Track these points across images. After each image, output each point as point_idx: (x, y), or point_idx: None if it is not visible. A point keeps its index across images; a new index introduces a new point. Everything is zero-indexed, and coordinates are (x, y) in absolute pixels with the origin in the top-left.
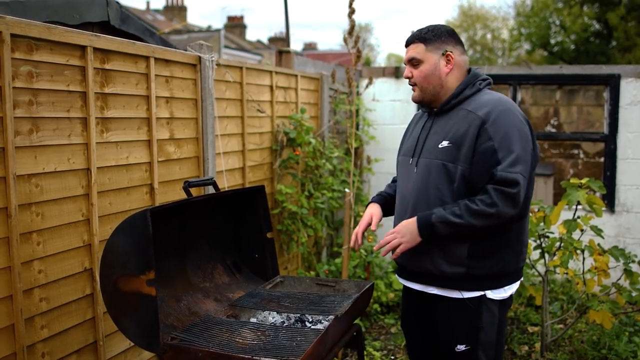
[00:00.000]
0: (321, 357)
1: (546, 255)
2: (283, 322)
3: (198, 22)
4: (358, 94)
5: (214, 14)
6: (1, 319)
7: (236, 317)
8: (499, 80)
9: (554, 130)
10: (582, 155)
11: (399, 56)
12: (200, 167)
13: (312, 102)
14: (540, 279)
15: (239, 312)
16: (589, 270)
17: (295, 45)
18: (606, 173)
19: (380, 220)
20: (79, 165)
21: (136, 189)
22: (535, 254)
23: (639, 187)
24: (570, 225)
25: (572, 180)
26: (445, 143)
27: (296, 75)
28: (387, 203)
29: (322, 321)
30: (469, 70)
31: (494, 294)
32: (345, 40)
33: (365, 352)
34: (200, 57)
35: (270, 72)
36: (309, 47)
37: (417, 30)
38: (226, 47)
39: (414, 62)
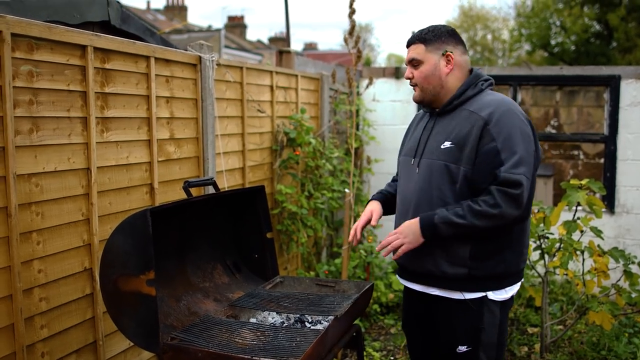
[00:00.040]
0: (321, 357)
1: (546, 256)
2: (283, 323)
3: (198, 22)
4: (358, 94)
5: (214, 14)
6: (1, 319)
7: (236, 317)
8: (499, 81)
9: (554, 131)
10: (582, 156)
11: (399, 56)
12: (200, 167)
13: (312, 102)
14: (539, 279)
15: (238, 312)
16: (589, 272)
17: (296, 45)
18: (606, 174)
19: (380, 217)
20: (79, 164)
21: (136, 188)
22: (535, 255)
23: (639, 188)
24: (570, 226)
25: (572, 181)
26: (447, 144)
27: (296, 75)
28: (388, 201)
29: (322, 322)
30: (471, 71)
31: (496, 295)
32: (345, 40)
33: (364, 353)
34: (200, 57)
35: (271, 72)
36: (310, 47)
37: (418, 31)
38: (226, 47)
39: (414, 63)
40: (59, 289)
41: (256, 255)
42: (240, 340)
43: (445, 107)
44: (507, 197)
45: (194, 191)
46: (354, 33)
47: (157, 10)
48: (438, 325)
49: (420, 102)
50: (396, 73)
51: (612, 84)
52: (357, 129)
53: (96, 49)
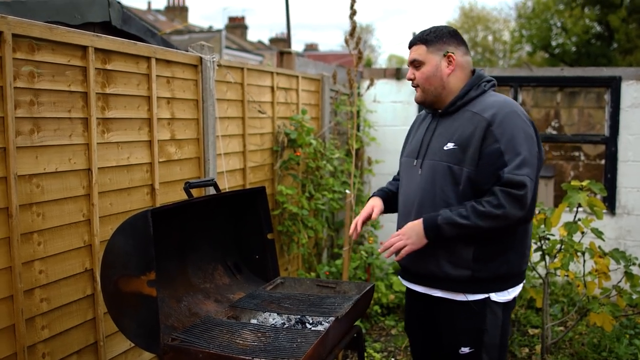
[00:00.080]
0: (321, 358)
1: (547, 258)
2: (283, 324)
3: (199, 23)
4: (359, 95)
5: (215, 15)
6: (2, 319)
7: (237, 318)
8: (500, 82)
9: (554, 132)
10: (582, 158)
11: (400, 57)
12: (201, 168)
13: (313, 103)
14: (540, 281)
15: (239, 313)
16: (590, 273)
17: (297, 46)
18: (607, 175)
19: (381, 212)
20: (80, 165)
21: (137, 189)
22: (535, 256)
23: None
24: (571, 227)
25: (573, 183)
26: (450, 145)
27: (297, 76)
28: (389, 199)
29: (323, 323)
30: (473, 72)
31: (498, 297)
32: (346, 41)
33: (365, 354)
34: (201, 58)
35: (271, 73)
36: (310, 48)
37: (420, 32)
38: (227, 47)
39: (416, 64)
40: (59, 289)
41: (257, 256)
42: (241, 341)
43: (447, 108)
44: (511, 198)
45: (195, 192)
46: (355, 34)
47: (158, 11)
48: (440, 327)
49: (422, 103)
50: (397, 74)
51: (613, 85)
52: (358, 130)
53: (97, 49)
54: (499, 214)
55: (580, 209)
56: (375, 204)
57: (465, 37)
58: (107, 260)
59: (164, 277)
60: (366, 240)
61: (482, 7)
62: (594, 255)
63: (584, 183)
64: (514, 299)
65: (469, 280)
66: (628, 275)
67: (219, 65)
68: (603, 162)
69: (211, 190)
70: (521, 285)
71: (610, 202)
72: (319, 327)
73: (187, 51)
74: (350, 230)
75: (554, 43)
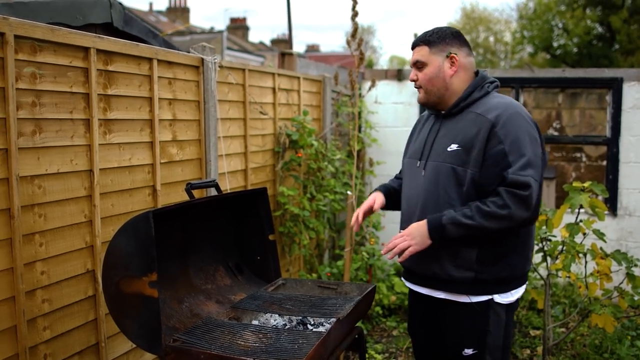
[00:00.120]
0: (323, 359)
1: (548, 259)
2: (285, 325)
3: (201, 24)
4: (360, 96)
5: (216, 16)
6: (4, 320)
7: (238, 319)
8: (501, 83)
9: (556, 133)
10: (584, 159)
11: (402, 58)
12: (203, 169)
13: (314, 105)
14: (542, 282)
15: (240, 314)
16: (591, 274)
17: (298, 47)
18: (609, 176)
19: (382, 205)
20: (82, 166)
21: (139, 190)
22: (537, 257)
23: None
24: (573, 228)
25: (575, 184)
26: (454, 146)
27: (299, 78)
28: (391, 196)
29: (324, 324)
30: (477, 73)
31: (502, 298)
32: (348, 42)
33: (367, 355)
34: (203, 59)
35: (273, 74)
36: (312, 49)
37: (422, 33)
38: (229, 48)
39: (418, 65)
40: (61, 290)
41: (258, 257)
42: (242, 342)
43: (451, 109)
44: (516, 198)
45: (197, 193)
46: (356, 35)
47: (160, 12)
48: (444, 328)
49: (424, 104)
50: (398, 75)
51: (615, 87)
52: (359, 131)
53: (99, 51)
54: (504, 214)
55: (581, 210)
56: (377, 197)
57: (467, 38)
58: (109, 262)
59: (166, 278)
60: (367, 242)
61: (483, 8)
62: (596, 257)
63: (586, 184)
64: (517, 300)
65: (472, 282)
66: (630, 276)
67: (221, 67)
68: (605, 163)
69: (213, 192)
70: (524, 286)
71: (611, 204)
72: (321, 328)
73: (188, 52)
74: (352, 221)
75: (555, 44)
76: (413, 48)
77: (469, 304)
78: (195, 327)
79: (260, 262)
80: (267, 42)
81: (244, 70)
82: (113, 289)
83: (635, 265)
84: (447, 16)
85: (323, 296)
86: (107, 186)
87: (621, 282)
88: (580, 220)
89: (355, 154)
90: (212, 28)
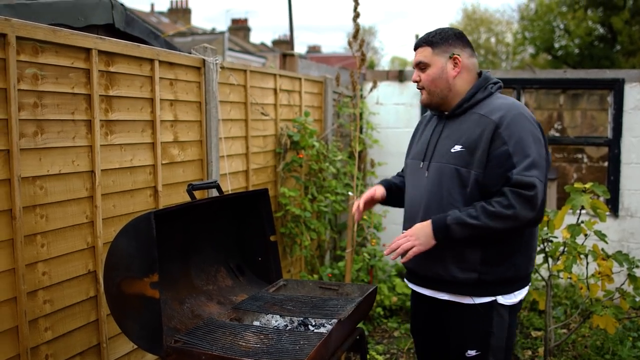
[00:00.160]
0: None
1: (550, 260)
2: (286, 326)
3: (202, 25)
4: (362, 97)
5: (218, 17)
6: (5, 321)
7: (239, 320)
8: (503, 84)
9: (557, 134)
10: (585, 160)
11: (403, 59)
12: (204, 170)
13: (315, 105)
14: (543, 283)
15: (242, 315)
16: (593, 275)
17: (299, 48)
18: (610, 177)
19: (383, 196)
20: (83, 167)
21: (140, 191)
22: (538, 258)
23: None
24: (574, 229)
25: (576, 185)
26: (458, 147)
27: (300, 79)
28: (392, 190)
29: (325, 325)
30: (480, 74)
31: (505, 299)
32: (350, 43)
33: (368, 356)
34: (204, 60)
35: (274, 75)
36: (313, 49)
37: (425, 34)
38: (230, 49)
39: (421, 66)
40: (63, 291)
41: (260, 258)
42: (243, 343)
43: (454, 110)
44: (522, 198)
45: (198, 194)
46: (358, 36)
47: (161, 13)
48: (447, 330)
49: (427, 106)
50: (400, 76)
51: (616, 88)
52: (361, 132)
53: (100, 52)
54: (509, 214)
55: (583, 212)
56: (377, 188)
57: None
58: (110, 262)
59: (167, 279)
60: (369, 243)
61: (484, 9)
62: (597, 258)
63: (587, 185)
64: (520, 301)
65: (476, 283)
66: (631, 277)
67: (222, 68)
68: (606, 164)
69: (214, 192)
70: (527, 287)
71: (613, 205)
72: (322, 329)
73: (190, 53)
74: (353, 209)
75: (556, 45)
76: (416, 49)
77: (473, 305)
78: (196, 328)
79: (261, 263)
80: (269, 43)
81: (245, 71)
82: (114, 290)
83: (637, 267)
84: (448, 17)
85: (324, 297)
86: (109, 187)
87: (622, 283)
88: (582, 221)
89: (356, 155)
90: (213, 29)
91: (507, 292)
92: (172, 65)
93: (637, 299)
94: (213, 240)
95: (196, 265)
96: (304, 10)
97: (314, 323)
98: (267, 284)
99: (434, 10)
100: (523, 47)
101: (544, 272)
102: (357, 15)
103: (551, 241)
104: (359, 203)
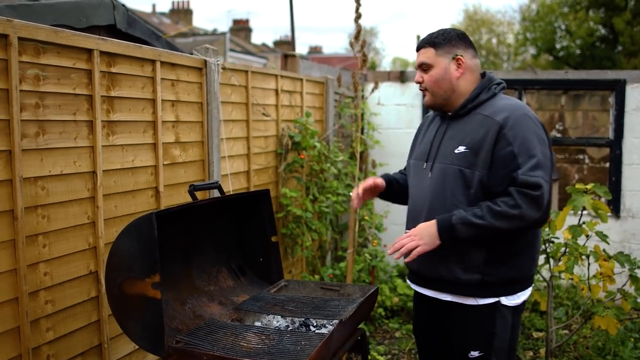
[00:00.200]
0: None
1: (551, 261)
2: (287, 326)
3: (204, 25)
4: (363, 97)
5: (219, 17)
6: (7, 321)
7: (240, 320)
8: None
9: (559, 135)
10: (587, 161)
11: (405, 60)
12: (206, 171)
13: (317, 106)
14: (545, 284)
15: (243, 315)
16: (594, 276)
17: (301, 48)
18: (611, 178)
19: (382, 188)
20: (85, 168)
21: (142, 192)
22: (540, 259)
23: None
24: (576, 230)
25: (578, 186)
26: (461, 148)
27: (301, 79)
28: (392, 185)
29: (327, 325)
30: (483, 74)
31: (508, 300)
32: (351, 44)
33: (369, 357)
34: (206, 61)
35: (276, 75)
36: (315, 50)
37: (428, 35)
38: (232, 50)
39: (424, 67)
40: (64, 291)
41: (261, 259)
42: (245, 344)
43: (458, 111)
44: (528, 198)
45: (199, 194)
46: (359, 37)
47: (163, 14)
48: (450, 331)
49: (431, 107)
50: (401, 77)
51: (618, 88)
52: (362, 132)
53: (102, 52)
54: (515, 214)
55: (584, 212)
56: (376, 178)
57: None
58: (112, 263)
59: (169, 280)
60: (370, 243)
61: (486, 10)
62: (599, 259)
63: (589, 186)
64: (524, 302)
65: (479, 285)
66: (633, 278)
67: (224, 68)
68: (607, 165)
69: (215, 193)
70: (530, 288)
71: (614, 206)
72: (323, 330)
73: (191, 54)
74: (353, 196)
75: (558, 46)
76: (418, 50)
77: (476, 307)
78: (197, 328)
79: (262, 263)
80: (270, 44)
81: (246, 71)
82: (116, 290)
83: (638, 267)
84: (449, 18)
85: (325, 298)
86: (110, 187)
87: (624, 284)
88: (583, 222)
89: (357, 155)
90: (215, 30)
91: (510, 293)
92: (173, 66)
93: (639, 300)
94: (214, 240)
95: (197, 265)
96: (305, 11)
97: (315, 324)
98: (268, 285)
99: (435, 11)
100: (524, 48)
101: (545, 273)
102: (358, 16)
103: (553, 242)
104: (358, 191)
